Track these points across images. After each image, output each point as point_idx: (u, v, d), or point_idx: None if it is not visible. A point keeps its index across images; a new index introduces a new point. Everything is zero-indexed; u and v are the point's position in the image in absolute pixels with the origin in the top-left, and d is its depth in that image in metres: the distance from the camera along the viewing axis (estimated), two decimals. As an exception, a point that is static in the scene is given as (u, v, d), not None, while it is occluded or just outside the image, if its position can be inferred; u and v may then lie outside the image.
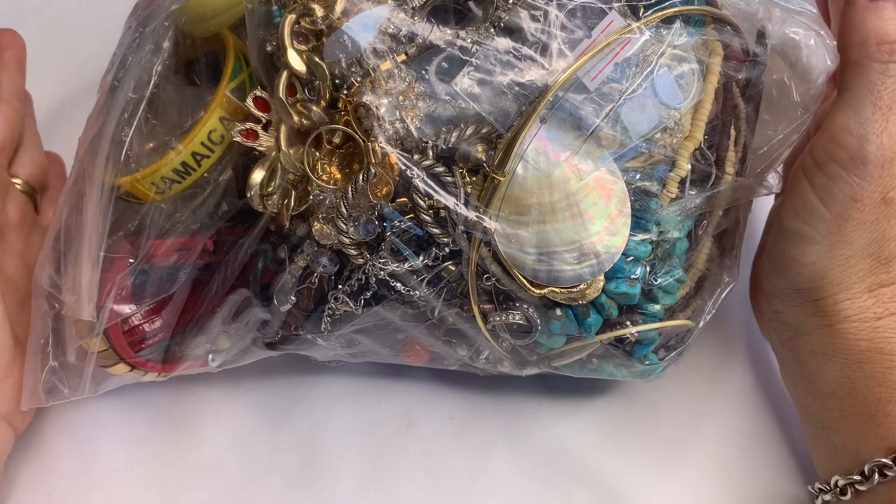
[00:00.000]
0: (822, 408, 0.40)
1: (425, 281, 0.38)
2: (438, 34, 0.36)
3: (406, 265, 0.38)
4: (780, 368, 0.44)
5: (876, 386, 0.38)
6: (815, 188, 0.38)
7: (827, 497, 0.40)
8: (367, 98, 0.36)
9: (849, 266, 0.38)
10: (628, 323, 0.39)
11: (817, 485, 0.41)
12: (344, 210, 0.37)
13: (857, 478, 0.38)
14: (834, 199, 0.37)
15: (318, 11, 0.37)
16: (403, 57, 0.36)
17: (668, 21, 0.37)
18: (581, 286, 0.37)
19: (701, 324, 0.42)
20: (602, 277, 0.38)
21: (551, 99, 0.36)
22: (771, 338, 0.44)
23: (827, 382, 0.40)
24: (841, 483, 0.39)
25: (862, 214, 0.37)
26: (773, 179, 0.42)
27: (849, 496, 0.39)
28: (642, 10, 0.37)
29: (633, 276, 0.38)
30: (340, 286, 0.40)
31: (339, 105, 0.37)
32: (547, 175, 0.36)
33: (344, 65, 0.37)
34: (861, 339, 0.39)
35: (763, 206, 0.50)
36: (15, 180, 0.47)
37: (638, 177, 0.38)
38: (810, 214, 0.38)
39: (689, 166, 0.38)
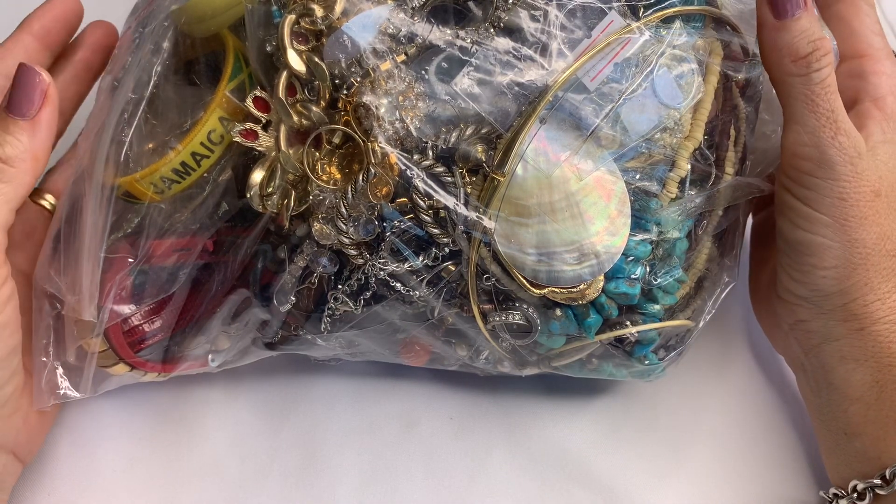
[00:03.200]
0: (846, 413, 0.40)
1: (425, 281, 0.38)
2: (438, 34, 0.36)
3: (406, 265, 0.38)
4: (800, 377, 0.44)
5: None
6: (802, 199, 0.39)
7: (843, 502, 0.40)
8: (367, 98, 0.36)
9: (870, 265, 0.38)
10: (628, 323, 0.39)
11: (832, 490, 0.41)
12: (344, 210, 0.37)
13: (878, 482, 0.38)
14: (823, 203, 0.38)
15: (318, 11, 0.37)
16: (403, 57, 0.36)
17: (667, 21, 0.37)
18: (581, 286, 0.37)
19: (701, 324, 0.42)
20: (602, 277, 0.38)
21: (551, 99, 0.36)
22: (790, 348, 0.44)
23: (856, 388, 0.39)
24: (860, 487, 0.39)
25: (858, 210, 0.38)
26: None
27: (867, 500, 0.39)
28: (642, 10, 0.37)
29: (633, 276, 0.38)
30: (340, 286, 0.40)
31: (339, 105, 0.37)
32: (547, 175, 0.36)
33: (344, 65, 0.37)
34: (893, 341, 0.39)
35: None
36: (48, 196, 0.46)
37: (638, 177, 0.38)
38: (811, 223, 0.38)
39: (689, 166, 0.38)
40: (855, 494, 0.40)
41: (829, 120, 0.37)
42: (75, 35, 0.46)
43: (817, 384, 0.42)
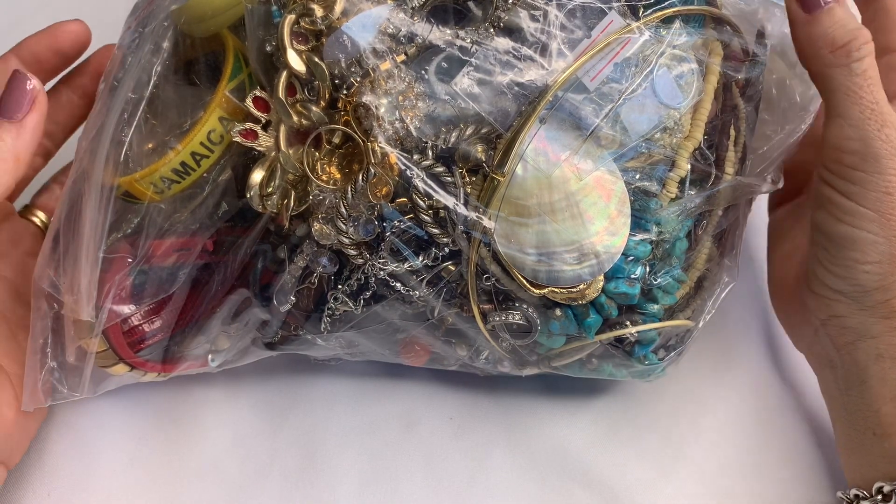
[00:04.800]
0: (877, 413, 0.39)
1: (425, 281, 0.38)
2: (438, 34, 0.36)
3: (406, 265, 0.38)
4: (825, 375, 0.43)
5: None
6: (846, 194, 0.38)
7: None
8: (367, 98, 0.36)
9: None
10: (628, 323, 0.39)
11: (853, 491, 0.40)
12: (344, 210, 0.37)
13: None
14: (867, 198, 0.37)
15: (318, 11, 0.37)
16: (403, 57, 0.36)
17: (667, 21, 0.37)
18: (581, 286, 0.37)
19: (701, 324, 0.42)
20: (602, 277, 0.38)
21: (551, 99, 0.36)
22: (817, 345, 0.42)
23: (891, 387, 0.39)
24: (886, 489, 0.38)
25: None
26: (773, 179, 0.42)
27: (893, 502, 0.38)
28: (642, 10, 0.37)
29: (632, 276, 0.38)
30: (340, 286, 0.40)
31: (339, 105, 0.37)
32: (547, 175, 0.36)
33: (343, 65, 0.37)
34: None
35: (764, 204, 0.50)
36: (38, 213, 0.47)
37: (638, 177, 0.38)
38: (854, 217, 0.37)
39: (689, 166, 0.38)
40: (880, 496, 0.38)
41: (873, 112, 0.36)
42: (83, 57, 0.47)
43: (847, 382, 0.41)
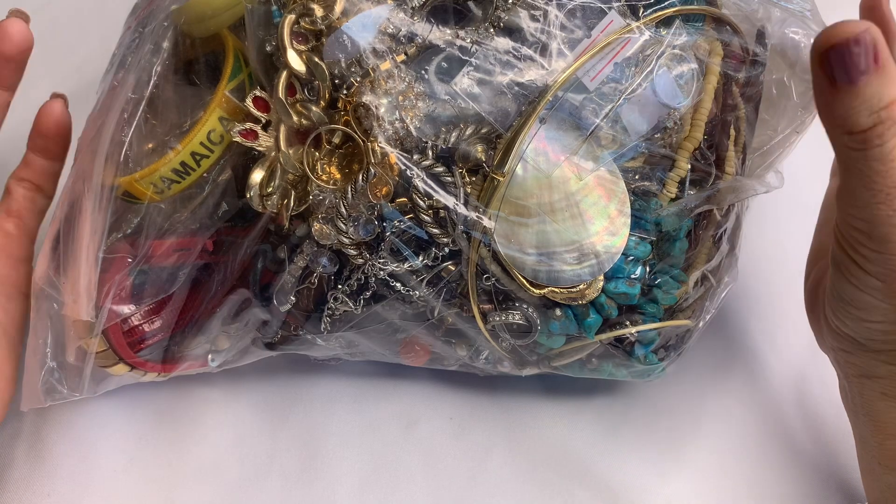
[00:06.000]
0: (880, 447, 0.38)
1: (425, 281, 0.38)
2: (438, 34, 0.36)
3: (406, 265, 0.38)
4: (840, 388, 0.41)
5: None
6: (854, 258, 0.35)
7: None
8: (367, 98, 0.36)
9: None
10: (628, 323, 0.39)
11: None
12: (344, 210, 0.37)
13: None
14: (874, 269, 0.35)
15: (318, 11, 0.37)
16: (403, 57, 0.36)
17: (667, 21, 0.37)
18: (581, 286, 0.37)
19: (701, 324, 0.42)
20: (602, 277, 0.38)
21: (551, 99, 0.36)
22: (832, 359, 0.41)
23: (892, 425, 0.38)
24: None
25: None
26: (773, 179, 0.42)
27: None
28: (642, 10, 0.37)
29: (632, 276, 0.38)
30: (340, 286, 0.40)
31: (339, 105, 0.37)
32: (547, 175, 0.36)
33: (343, 65, 0.37)
34: None
35: (764, 204, 0.50)
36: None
37: (638, 177, 0.38)
38: (860, 280, 0.35)
39: (689, 166, 0.38)
40: None
41: (887, 197, 0.32)
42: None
43: (854, 407, 0.40)
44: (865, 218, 0.33)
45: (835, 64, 0.30)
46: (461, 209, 0.36)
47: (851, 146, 0.31)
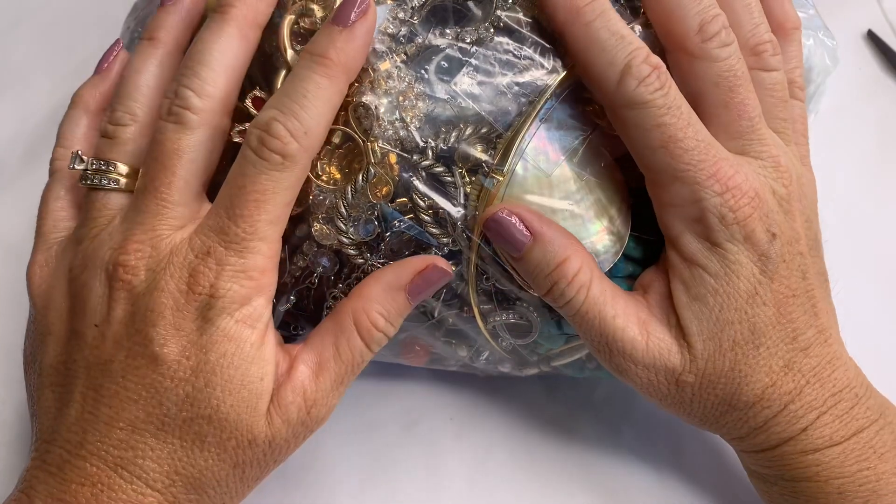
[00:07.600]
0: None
1: (425, 281, 0.38)
2: (438, 34, 0.36)
3: (406, 265, 0.38)
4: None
5: None
6: None
7: None
8: (367, 98, 0.36)
9: None
10: (628, 323, 0.39)
11: None
12: (344, 210, 0.37)
13: None
14: None
15: (318, 12, 0.37)
16: (403, 57, 0.36)
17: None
18: (581, 286, 0.37)
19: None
20: (602, 277, 0.38)
21: (551, 99, 0.36)
22: None
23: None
24: None
25: None
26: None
27: None
28: (642, 10, 0.37)
29: (632, 276, 0.38)
30: (340, 286, 0.39)
31: (339, 105, 0.37)
32: (547, 175, 0.36)
33: (343, 65, 0.36)
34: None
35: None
36: None
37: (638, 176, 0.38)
38: None
39: (689, 166, 0.38)
40: None
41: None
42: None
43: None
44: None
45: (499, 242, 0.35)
46: (461, 209, 0.36)
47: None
